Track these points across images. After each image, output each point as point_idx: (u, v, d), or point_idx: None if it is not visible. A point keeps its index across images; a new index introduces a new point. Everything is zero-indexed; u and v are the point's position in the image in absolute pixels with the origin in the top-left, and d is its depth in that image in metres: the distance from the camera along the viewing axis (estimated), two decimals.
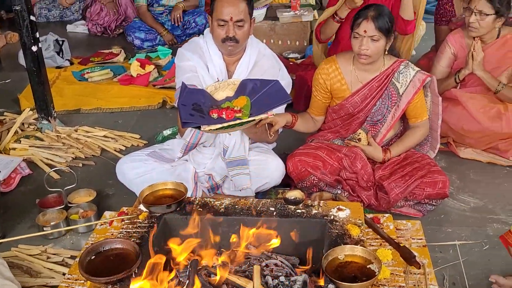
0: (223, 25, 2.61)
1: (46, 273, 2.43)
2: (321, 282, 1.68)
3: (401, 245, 2.04)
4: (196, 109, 2.24)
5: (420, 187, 2.73)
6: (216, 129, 2.19)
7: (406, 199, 2.77)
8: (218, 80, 2.66)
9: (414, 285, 1.96)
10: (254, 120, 2.26)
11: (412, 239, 2.24)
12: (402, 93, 2.78)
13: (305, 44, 5.03)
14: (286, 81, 2.79)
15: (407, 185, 2.72)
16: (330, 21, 3.45)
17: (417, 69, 2.81)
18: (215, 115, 2.23)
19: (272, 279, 1.71)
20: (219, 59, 2.73)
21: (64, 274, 2.33)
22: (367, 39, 2.62)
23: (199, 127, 2.26)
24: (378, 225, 2.18)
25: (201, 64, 2.75)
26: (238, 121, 2.20)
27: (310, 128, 3.03)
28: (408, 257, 1.97)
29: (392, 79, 2.77)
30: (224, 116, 2.19)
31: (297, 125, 2.87)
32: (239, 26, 2.60)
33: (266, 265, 1.82)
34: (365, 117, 2.84)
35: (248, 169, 2.75)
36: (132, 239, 1.85)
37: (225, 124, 2.20)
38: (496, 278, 2.16)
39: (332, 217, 1.98)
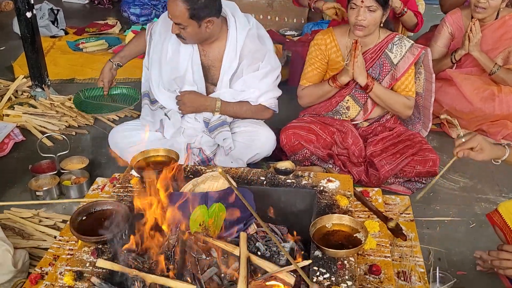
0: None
1: (38, 236, 2.45)
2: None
3: (389, 217, 2.07)
4: None
5: (411, 165, 2.75)
6: None
7: (396, 176, 2.79)
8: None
9: (400, 257, 2.00)
10: None
11: (400, 213, 2.27)
12: (397, 63, 2.77)
13: (303, 21, 5.02)
14: (271, 67, 2.75)
15: (398, 163, 2.74)
16: None
17: (412, 42, 2.81)
18: None
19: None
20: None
21: (55, 237, 2.36)
22: (364, 10, 2.61)
23: None
24: (367, 198, 2.21)
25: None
26: None
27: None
28: (394, 229, 2.00)
29: (386, 50, 2.77)
30: None
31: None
32: (180, 28, 2.57)
33: (256, 232, 1.85)
34: (354, 85, 2.84)
35: (228, 128, 2.77)
36: (123, 203, 1.86)
37: None
38: (480, 253, 2.20)
39: (321, 188, 2.00)
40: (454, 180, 3.00)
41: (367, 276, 1.78)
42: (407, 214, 2.28)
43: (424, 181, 2.81)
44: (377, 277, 1.78)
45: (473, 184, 2.97)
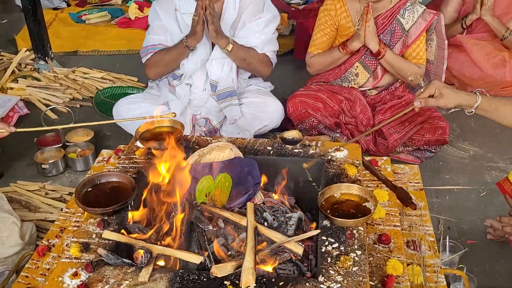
0: None
1: (44, 208, 2.45)
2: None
3: (398, 186, 2.04)
4: None
5: (420, 133, 2.71)
6: None
7: (405, 145, 2.75)
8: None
9: (409, 226, 1.97)
10: None
11: (409, 182, 2.23)
12: (409, 29, 2.70)
13: None
14: (271, 15, 2.77)
15: (407, 131, 2.70)
16: None
17: (424, 7, 2.73)
18: None
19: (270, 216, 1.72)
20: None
21: (62, 209, 2.34)
22: None
23: None
24: (376, 167, 2.17)
25: (171, 23, 2.74)
26: None
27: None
28: (404, 198, 1.97)
29: (397, 15, 2.70)
30: None
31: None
32: None
33: (263, 203, 1.82)
34: (364, 51, 2.77)
35: (237, 100, 2.75)
36: (129, 174, 1.84)
37: None
38: (491, 222, 2.17)
39: (329, 157, 1.96)
40: (463, 149, 2.96)
41: (376, 246, 1.76)
42: (416, 183, 2.24)
43: (433, 150, 2.77)
44: (386, 246, 1.76)
45: (483, 153, 2.93)
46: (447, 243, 2.12)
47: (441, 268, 1.80)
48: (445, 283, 1.74)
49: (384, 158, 2.27)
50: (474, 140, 3.02)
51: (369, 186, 2.07)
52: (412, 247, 1.86)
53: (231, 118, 2.74)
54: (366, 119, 2.76)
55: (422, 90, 1.93)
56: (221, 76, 2.76)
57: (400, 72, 2.74)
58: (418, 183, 2.24)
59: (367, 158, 2.24)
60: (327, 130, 2.83)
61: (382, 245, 1.76)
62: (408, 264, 1.74)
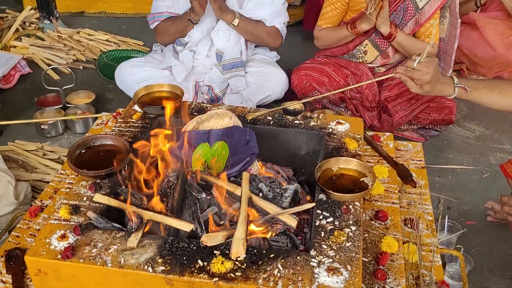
0: None
1: (42, 169, 2.43)
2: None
3: (399, 163, 1.99)
4: None
5: (426, 112, 2.65)
6: None
7: (410, 123, 2.70)
8: None
9: (408, 204, 1.93)
10: None
11: (412, 160, 2.18)
12: (422, 7, 2.61)
13: None
14: (282, 5, 2.69)
15: (412, 109, 2.64)
16: None
17: None
18: None
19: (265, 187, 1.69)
20: None
21: (58, 171, 2.33)
22: None
23: None
24: (378, 143, 2.13)
25: None
26: None
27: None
28: (404, 175, 1.92)
29: None
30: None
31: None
32: None
33: (259, 174, 1.78)
34: (373, 31, 2.70)
35: (244, 71, 2.70)
36: (124, 138, 1.80)
37: None
38: (492, 204, 2.14)
39: (330, 130, 1.91)
40: (469, 129, 2.90)
41: (372, 222, 1.72)
42: (418, 160, 2.19)
43: (439, 129, 2.71)
44: (383, 223, 1.72)
45: (489, 133, 2.87)
46: (446, 222, 2.09)
47: (437, 247, 1.76)
48: (440, 262, 1.71)
49: (387, 134, 2.22)
50: (481, 120, 2.96)
51: (370, 162, 2.02)
52: (409, 225, 1.83)
53: (236, 88, 2.69)
54: (372, 95, 2.69)
55: (415, 65, 1.84)
56: (227, 47, 2.70)
57: (412, 52, 2.65)
58: (420, 161, 2.19)
59: (370, 133, 2.19)
60: (332, 105, 2.77)
61: (379, 221, 1.73)
62: (404, 242, 1.71)
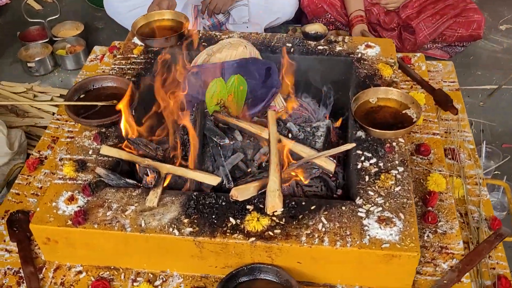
0: None
1: (34, 113, 2.20)
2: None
3: (436, 88, 1.79)
4: None
5: (452, 28, 2.40)
6: None
7: (434, 41, 2.46)
8: None
9: (446, 132, 1.74)
10: None
11: (444, 82, 1.97)
12: None
13: None
14: None
15: (438, 26, 2.39)
16: None
17: None
18: None
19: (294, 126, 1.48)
20: None
21: (53, 113, 2.11)
22: None
23: None
24: (409, 66, 1.90)
25: None
26: None
27: None
28: (444, 101, 1.72)
29: None
30: None
31: None
32: None
33: (285, 111, 1.57)
34: None
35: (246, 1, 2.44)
36: (127, 77, 1.57)
37: None
38: None
39: (359, 55, 1.68)
40: (496, 41, 2.67)
41: (414, 157, 1.54)
42: (451, 82, 1.98)
43: (465, 44, 2.48)
44: (425, 158, 1.54)
45: None
46: (483, 148, 1.91)
47: (483, 179, 1.59)
48: (488, 196, 1.54)
49: (418, 54, 1.99)
50: (508, 30, 2.71)
51: (402, 87, 1.81)
52: (450, 156, 1.64)
53: (239, 19, 2.42)
54: (388, 19, 2.44)
55: None
56: None
57: None
58: (454, 82, 1.98)
59: (398, 55, 1.96)
60: (345, 27, 2.52)
61: (421, 156, 1.55)
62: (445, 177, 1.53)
